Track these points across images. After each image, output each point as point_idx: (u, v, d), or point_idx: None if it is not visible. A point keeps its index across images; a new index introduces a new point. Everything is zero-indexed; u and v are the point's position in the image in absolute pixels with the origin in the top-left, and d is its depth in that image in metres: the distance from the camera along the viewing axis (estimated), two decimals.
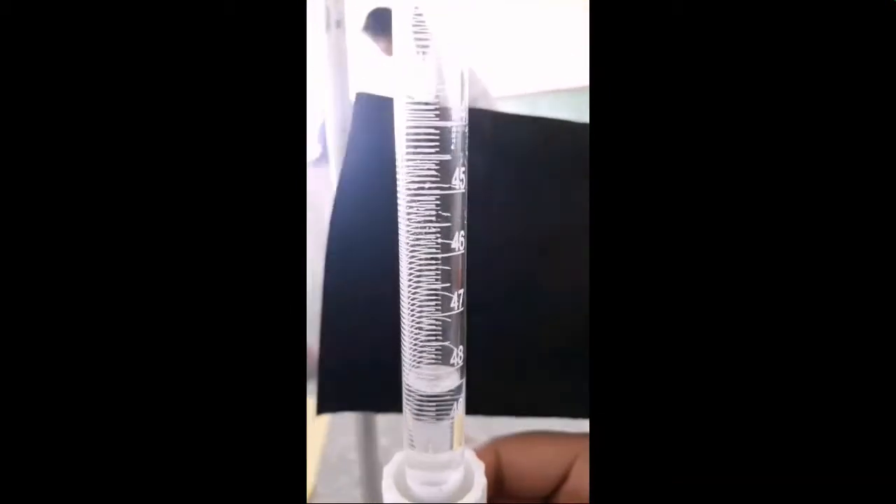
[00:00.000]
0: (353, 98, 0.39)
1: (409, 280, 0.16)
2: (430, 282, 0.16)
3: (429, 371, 0.17)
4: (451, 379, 0.17)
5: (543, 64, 2.23)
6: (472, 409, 0.32)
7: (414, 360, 0.17)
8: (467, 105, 0.15)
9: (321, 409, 0.36)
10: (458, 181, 0.15)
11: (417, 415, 0.17)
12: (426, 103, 0.14)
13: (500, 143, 0.32)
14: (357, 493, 0.56)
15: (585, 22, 0.20)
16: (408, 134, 0.15)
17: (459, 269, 0.16)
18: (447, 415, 0.17)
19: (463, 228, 0.16)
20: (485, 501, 0.19)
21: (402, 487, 0.18)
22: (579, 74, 1.99)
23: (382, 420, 0.56)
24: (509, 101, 2.23)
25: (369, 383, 0.35)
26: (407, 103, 0.15)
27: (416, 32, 0.14)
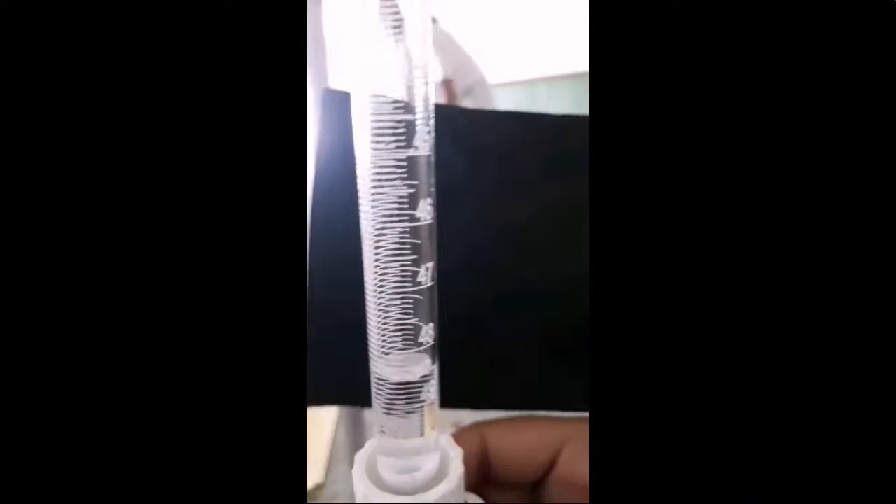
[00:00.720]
0: (329, 81, 0.38)
1: (373, 252, 0.15)
2: (395, 255, 0.15)
3: (398, 357, 0.16)
4: (421, 365, 0.16)
5: (541, 50, 2.21)
6: (460, 403, 0.31)
7: (381, 343, 0.16)
8: (431, 57, 0.14)
9: (307, 403, 0.36)
10: (423, 142, 0.14)
11: (387, 407, 0.16)
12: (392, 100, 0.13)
13: (475, 140, 0.32)
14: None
15: (584, 7, 0.19)
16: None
17: (428, 240, 0.15)
18: (417, 399, 0.16)
19: (430, 196, 0.15)
20: (462, 489, 0.18)
21: (374, 475, 0.17)
22: (578, 60, 1.96)
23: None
24: (507, 87, 2.21)
25: (356, 376, 0.34)
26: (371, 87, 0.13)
27: (389, 14, 0.13)
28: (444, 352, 0.18)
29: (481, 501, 0.22)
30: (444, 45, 1.47)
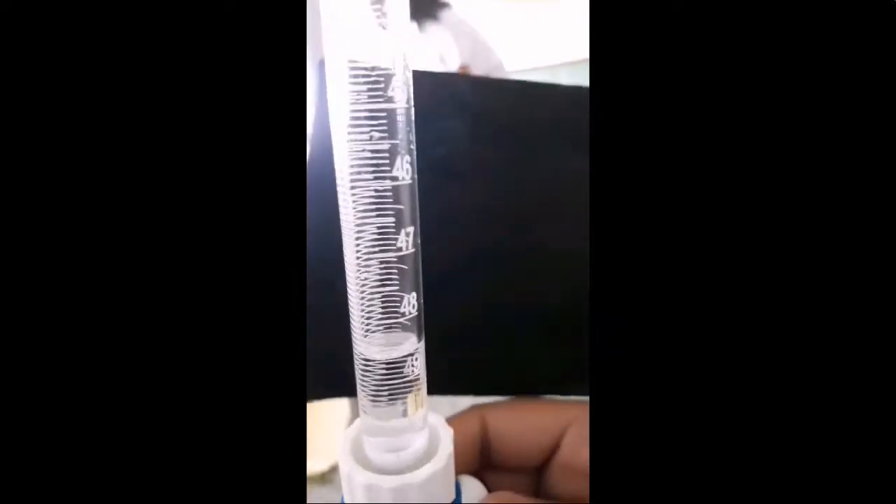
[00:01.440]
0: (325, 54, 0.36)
1: (353, 216, 0.14)
2: (372, 217, 0.14)
3: (380, 334, 0.15)
4: (408, 342, 0.15)
5: (561, 35, 2.17)
6: (456, 388, 0.30)
7: (362, 316, 0.15)
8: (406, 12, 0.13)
9: (309, 397, 0.35)
10: (399, 92, 0.13)
11: (374, 397, 0.15)
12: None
13: (481, 110, 0.30)
14: None
15: None
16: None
17: (407, 201, 0.14)
18: (400, 375, 0.15)
19: (409, 154, 0.14)
20: (451, 471, 0.17)
21: (360, 455, 0.16)
22: None
23: None
24: (527, 73, 2.18)
25: (342, 366, 0.33)
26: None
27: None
28: (437, 333, 0.17)
29: (480, 485, 0.21)
30: (460, 30, 1.44)
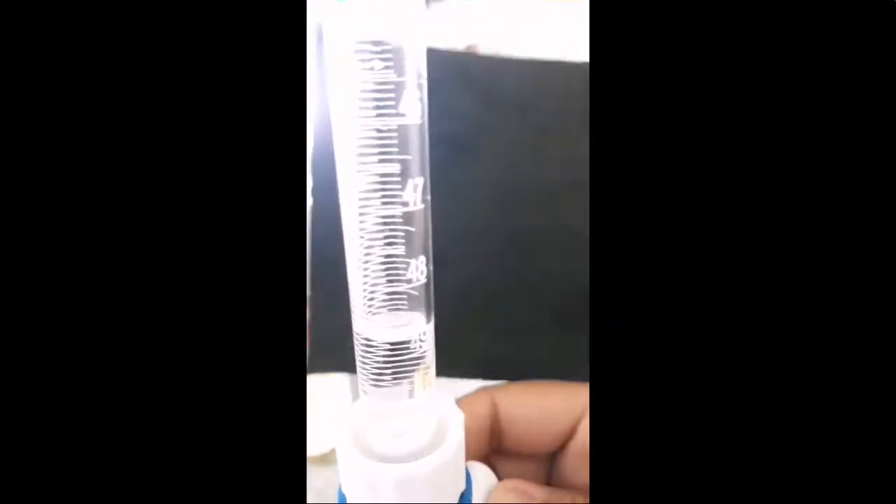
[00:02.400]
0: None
1: (353, 167, 0.12)
2: (373, 165, 0.12)
3: (384, 312, 0.13)
4: (416, 322, 0.13)
5: (555, 36, 2.13)
6: (466, 372, 0.29)
7: (363, 283, 0.13)
8: None
9: (311, 369, 0.35)
10: (405, 26, 0.11)
11: (376, 376, 0.14)
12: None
13: (493, 88, 0.29)
14: None
15: None
16: None
17: (416, 147, 0.12)
18: (406, 351, 0.13)
19: (420, 90, 0.11)
20: (461, 459, 0.15)
21: (360, 440, 0.15)
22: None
23: None
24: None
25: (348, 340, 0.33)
26: None
27: None
28: (448, 317, 0.15)
29: (489, 472, 0.19)
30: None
